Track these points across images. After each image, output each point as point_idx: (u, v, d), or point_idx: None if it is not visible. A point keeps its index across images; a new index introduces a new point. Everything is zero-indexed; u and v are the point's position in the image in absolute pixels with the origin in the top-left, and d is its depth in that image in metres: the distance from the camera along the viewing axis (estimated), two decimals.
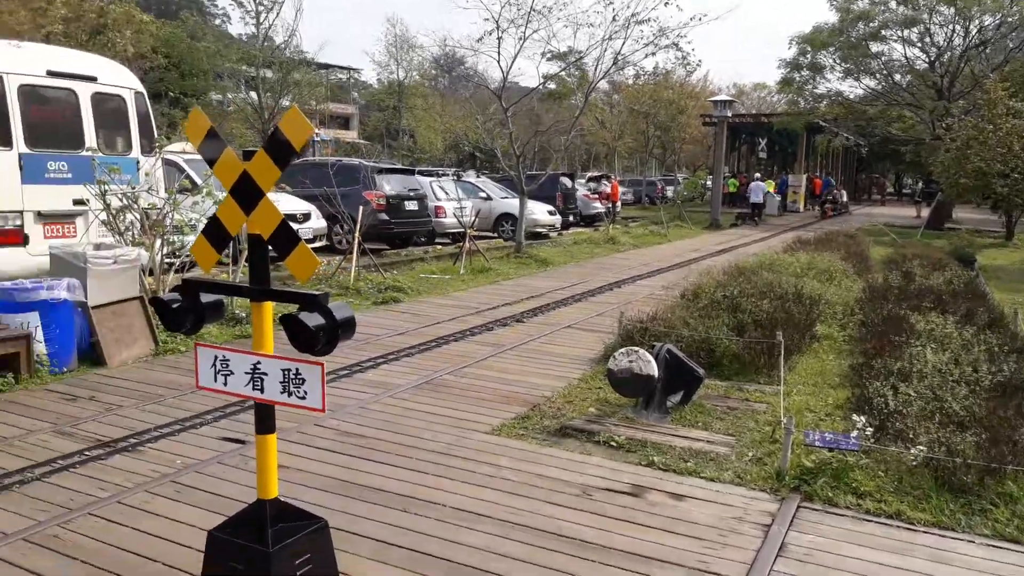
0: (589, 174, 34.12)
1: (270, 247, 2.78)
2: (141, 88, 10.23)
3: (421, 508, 4.09)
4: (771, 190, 31.74)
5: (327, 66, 44.12)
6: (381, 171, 16.48)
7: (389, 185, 16.30)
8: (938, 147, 24.64)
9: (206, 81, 39.50)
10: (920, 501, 4.34)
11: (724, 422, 5.74)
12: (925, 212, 33.26)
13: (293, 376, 2.70)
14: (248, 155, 2.74)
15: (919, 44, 29.20)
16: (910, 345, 6.63)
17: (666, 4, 15.28)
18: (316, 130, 53.55)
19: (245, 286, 2.88)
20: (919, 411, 5.17)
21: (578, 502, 4.27)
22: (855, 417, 4.87)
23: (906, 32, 28.66)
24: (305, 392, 2.69)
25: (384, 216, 15.79)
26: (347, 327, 2.64)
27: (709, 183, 34.37)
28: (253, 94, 34.59)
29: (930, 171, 28.64)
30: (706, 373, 6.21)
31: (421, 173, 25.25)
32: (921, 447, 4.55)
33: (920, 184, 47.60)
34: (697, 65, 49.06)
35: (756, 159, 46.50)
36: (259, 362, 2.76)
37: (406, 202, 16.44)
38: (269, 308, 2.84)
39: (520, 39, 15.24)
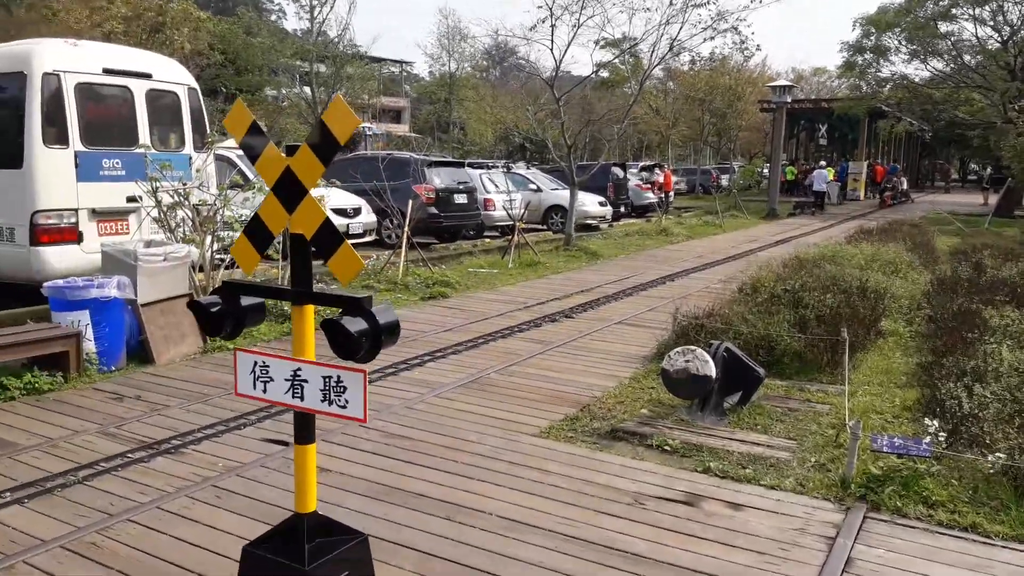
0: (641, 163, 33.56)
1: (313, 247, 2.66)
2: (194, 84, 10.31)
3: (467, 517, 3.95)
4: (831, 178, 30.79)
5: (379, 60, 44.39)
6: (431, 164, 16.41)
7: (439, 178, 16.22)
8: (1009, 131, 23.54)
9: (261, 77, 40.04)
10: (998, 512, 4.04)
11: (784, 424, 5.48)
12: (993, 199, 31.92)
13: (334, 384, 2.57)
14: (291, 150, 2.63)
15: (991, 23, 27.92)
16: (984, 342, 6.25)
17: None
18: (367, 124, 54.08)
19: (286, 288, 2.77)
20: (996, 414, 4.84)
21: (631, 512, 4.09)
22: (927, 421, 4.57)
23: (978, 10, 27.41)
24: (346, 401, 2.56)
25: (433, 210, 15.72)
26: (391, 332, 2.51)
27: (766, 171, 33.58)
28: (307, 89, 35.02)
29: (999, 156, 27.44)
30: (766, 372, 5.94)
31: (471, 165, 25.24)
32: (1000, 454, 4.24)
33: (988, 170, 45.78)
34: (756, 50, 47.98)
35: (815, 146, 45.24)
36: (299, 369, 2.65)
37: (455, 195, 16.34)
38: (310, 312, 2.72)
39: (574, 26, 14.97)
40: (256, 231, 2.73)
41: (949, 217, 24.83)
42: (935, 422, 4.50)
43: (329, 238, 2.54)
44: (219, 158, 12.97)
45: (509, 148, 53.32)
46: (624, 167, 27.62)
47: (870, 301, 7.73)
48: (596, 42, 18.42)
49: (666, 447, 4.99)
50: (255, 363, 2.73)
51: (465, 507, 4.06)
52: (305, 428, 2.70)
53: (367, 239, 14.85)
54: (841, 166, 36.60)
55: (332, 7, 33.64)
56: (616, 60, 24.41)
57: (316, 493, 2.80)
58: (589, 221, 21.68)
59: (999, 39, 28.30)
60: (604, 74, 36.23)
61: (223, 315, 2.70)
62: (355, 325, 2.40)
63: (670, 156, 42.96)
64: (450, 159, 19.27)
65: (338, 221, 14.03)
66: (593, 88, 37.03)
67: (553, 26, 14.74)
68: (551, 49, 15.13)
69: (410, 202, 11.82)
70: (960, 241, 15.65)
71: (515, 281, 11.94)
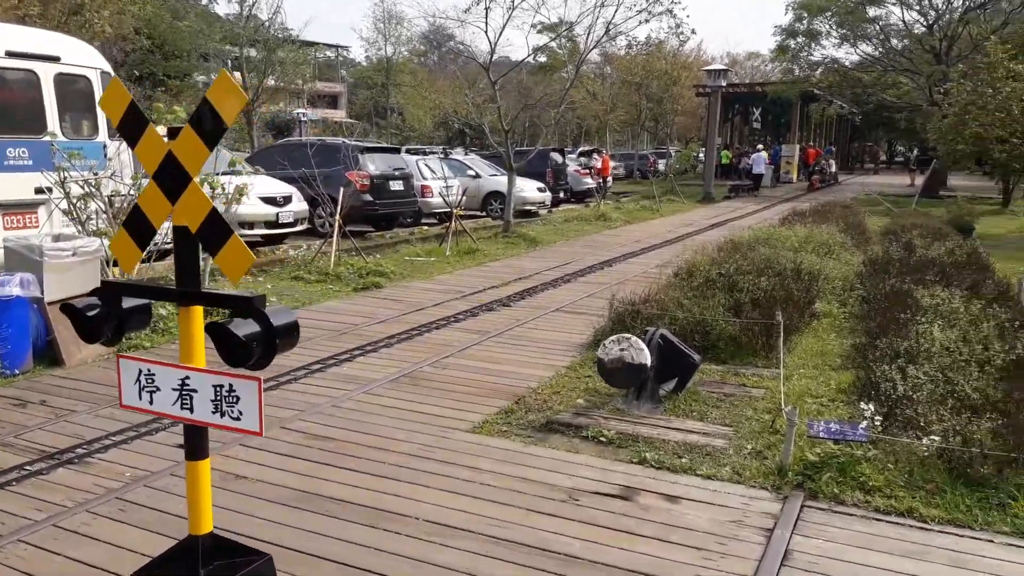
0: (580, 149, 33.55)
1: (200, 242, 2.39)
2: (108, 68, 9.76)
3: (391, 522, 3.74)
4: (725, 161, 31.32)
5: (313, 44, 43.29)
6: (365, 150, 15.97)
7: (373, 165, 15.81)
8: (934, 113, 24.22)
9: (190, 62, 38.65)
10: (933, 496, 4.00)
11: (720, 410, 5.40)
12: (919, 180, 32.89)
13: (226, 393, 2.33)
14: (173, 133, 2.35)
15: (917, 7, 28.62)
16: (916, 322, 6.27)
17: None
18: (302, 110, 52.80)
19: (171, 288, 2.49)
20: (930, 396, 4.82)
21: (565, 509, 3.93)
22: (863, 405, 4.53)
23: None
24: (240, 412, 2.32)
25: (368, 197, 15.32)
26: (287, 335, 2.26)
27: (702, 155, 33.91)
28: (237, 74, 33.92)
29: (925, 138, 28.24)
30: (701, 358, 5.86)
31: (409, 152, 24.78)
32: (934, 436, 4.21)
33: (915, 152, 47.17)
34: (691, 34, 48.40)
35: (750, 129, 45.92)
36: (188, 377, 2.39)
37: (391, 182, 15.96)
38: (199, 313, 2.45)
39: (509, 8, 14.71)
40: (136, 224, 2.45)
41: (879, 198, 25.42)
42: (870, 406, 4.45)
43: (216, 230, 2.28)
44: None
45: (449, 134, 52.80)
46: (563, 153, 27.54)
47: (804, 283, 7.73)
48: (533, 26, 18.23)
49: (602, 438, 4.85)
50: (140, 371, 2.46)
51: (389, 512, 3.84)
52: (196, 442, 2.44)
53: (299, 228, 14.43)
54: (774, 149, 37.22)
55: None
56: (553, 44, 24.26)
57: (212, 512, 2.54)
58: (528, 207, 21.53)
59: (924, 23, 29.04)
60: (542, 59, 36.08)
61: (101, 319, 2.41)
62: (244, 328, 2.15)
63: (608, 141, 43.00)
64: (385, 145, 18.85)
65: (266, 210, 13.63)
66: (531, 73, 36.85)
67: (488, 8, 14.47)
68: (486, 32, 14.85)
69: (342, 189, 11.45)
70: (890, 221, 15.95)
71: (453, 269, 11.70)
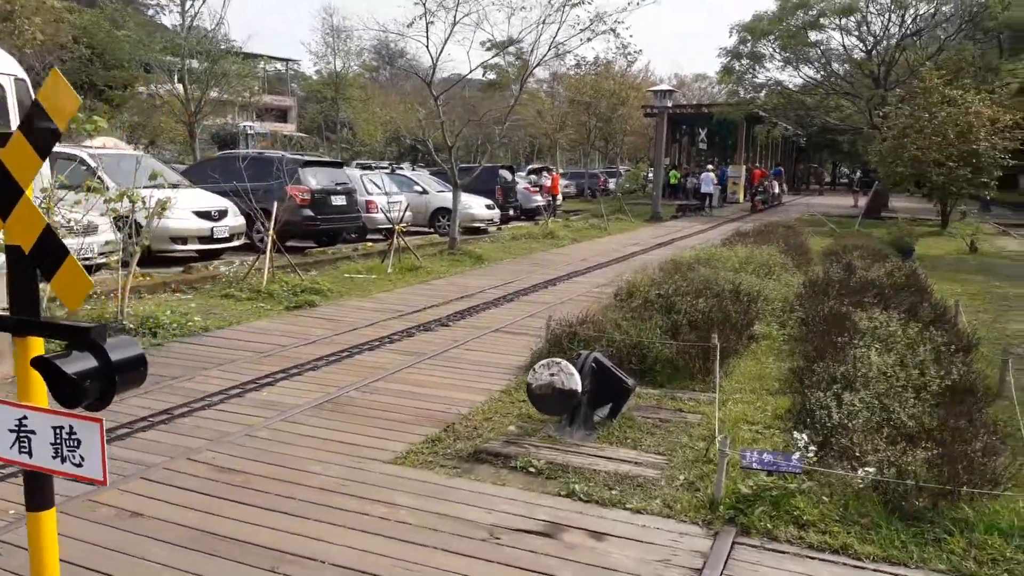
0: (529, 167, 33.55)
1: (34, 264, 2.08)
2: (23, 75, 9.25)
3: (294, 566, 3.44)
4: (674, 181, 31.69)
5: (258, 56, 42.58)
6: (305, 164, 15.57)
7: (315, 179, 15.43)
8: (875, 136, 24.73)
9: (131, 72, 37.62)
10: (868, 531, 3.85)
11: (655, 437, 5.21)
12: (863, 201, 33.57)
13: (67, 436, 2.02)
14: (2, 140, 2.05)
15: (856, 32, 29.33)
16: (853, 346, 6.19)
17: None
18: (248, 123, 51.90)
19: (4, 316, 2.16)
20: (865, 424, 4.70)
21: (484, 549, 3.67)
22: (796, 435, 4.37)
23: (844, 20, 28.74)
24: (82, 457, 2.02)
25: (308, 212, 14.94)
26: (130, 371, 1.96)
27: (651, 175, 34.15)
28: (179, 86, 33.13)
29: (867, 160, 28.85)
30: (636, 383, 5.68)
31: (360, 167, 24.45)
32: (868, 469, 4.07)
33: (858, 173, 48.35)
34: (638, 54, 48.93)
35: (696, 150, 46.53)
36: (25, 417, 2.08)
37: (333, 197, 15.59)
38: (37, 345, 2.14)
39: (451, 23, 14.53)
40: None
41: (823, 219, 25.83)
42: (804, 436, 4.30)
43: (51, 251, 1.98)
44: (66, 157, 11.87)
45: (401, 150, 52.42)
46: (512, 170, 27.45)
47: (743, 305, 7.64)
48: (482, 44, 18.08)
49: (531, 468, 4.61)
50: None
51: (293, 554, 3.53)
52: (38, 490, 2.13)
53: (235, 243, 13.97)
54: (721, 170, 37.66)
55: (204, 0, 31.95)
56: (499, 61, 24.16)
57: (58, 571, 2.22)
58: (477, 224, 21.35)
59: (863, 49, 29.77)
60: (491, 76, 36.08)
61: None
62: (76, 364, 1.86)
63: (559, 160, 43.17)
64: (327, 159, 18.46)
65: (200, 225, 13.16)
66: (480, 90, 36.79)
67: (429, 23, 14.27)
68: (427, 47, 14.66)
69: (275, 204, 11.06)
70: (832, 242, 16.14)
71: (393, 287, 11.39)
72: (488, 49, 19.17)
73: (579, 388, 4.92)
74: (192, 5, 31.35)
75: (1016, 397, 5.74)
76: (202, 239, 13.31)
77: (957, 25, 29.27)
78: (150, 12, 40.33)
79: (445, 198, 20.39)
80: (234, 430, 5.19)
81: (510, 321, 9.03)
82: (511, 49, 20.20)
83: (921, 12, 28.30)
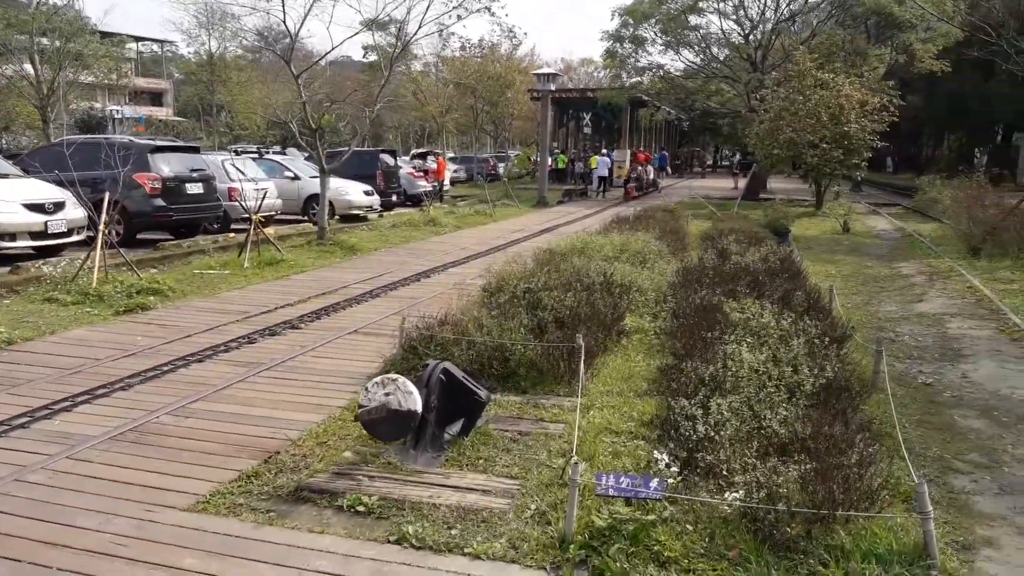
0: (414, 151, 32.59)
1: None
2: None
3: None
4: (594, 165, 31.56)
5: (117, 35, 39.63)
6: (156, 149, 14.21)
7: (167, 166, 14.10)
8: (753, 119, 25.15)
9: None
10: (737, 567, 3.37)
11: (511, 455, 4.62)
12: (742, 183, 34.35)
13: None
14: None
15: (734, 17, 29.80)
16: (724, 342, 5.79)
17: None
18: (116, 106, 48.58)
19: None
20: (735, 434, 4.25)
21: None
22: (656, 454, 3.86)
23: (722, 5, 29.15)
24: None
25: (160, 201, 13.63)
26: None
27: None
28: (28, 66, 30.33)
29: (746, 143, 29.42)
30: (490, 393, 5.06)
31: (240, 152, 22.97)
32: (736, 493, 3.59)
33: (737, 156, 49.68)
34: (524, 36, 48.54)
35: (582, 135, 46.63)
36: None
37: (188, 185, 14.30)
38: None
39: None
40: None
41: (703, 202, 26.12)
42: (664, 456, 3.79)
43: None
44: None
45: (284, 134, 50.27)
46: (394, 154, 26.48)
47: (614, 297, 7.16)
48: (362, 23, 17.02)
49: (360, 507, 3.93)
50: None
51: None
52: None
53: (75, 238, 12.52)
54: (607, 155, 37.74)
55: None
56: (380, 41, 23.13)
57: None
58: (355, 211, 20.37)
59: (741, 33, 30.29)
60: (373, 57, 34.77)
61: None
62: None
63: (447, 143, 42.34)
64: (180, 143, 17.02)
65: (31, 219, 11.76)
66: (362, 71, 35.53)
67: None
68: (283, 21, 13.59)
69: (106, 194, 9.86)
70: (711, 225, 16.09)
71: (247, 284, 10.41)
72: (368, 30, 18.12)
73: (418, 408, 4.26)
74: None
75: (889, 389, 5.49)
76: (34, 235, 11.89)
77: (827, 11, 30.19)
78: None
79: (319, 184, 19.30)
80: (2, 473, 4.26)
81: (372, 321, 8.27)
82: (391, 30, 19.26)
83: None
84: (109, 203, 9.79)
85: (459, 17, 14.93)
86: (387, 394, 4.24)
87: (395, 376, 4.32)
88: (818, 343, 5.92)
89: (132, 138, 15.70)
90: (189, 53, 73.90)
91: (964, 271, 11.91)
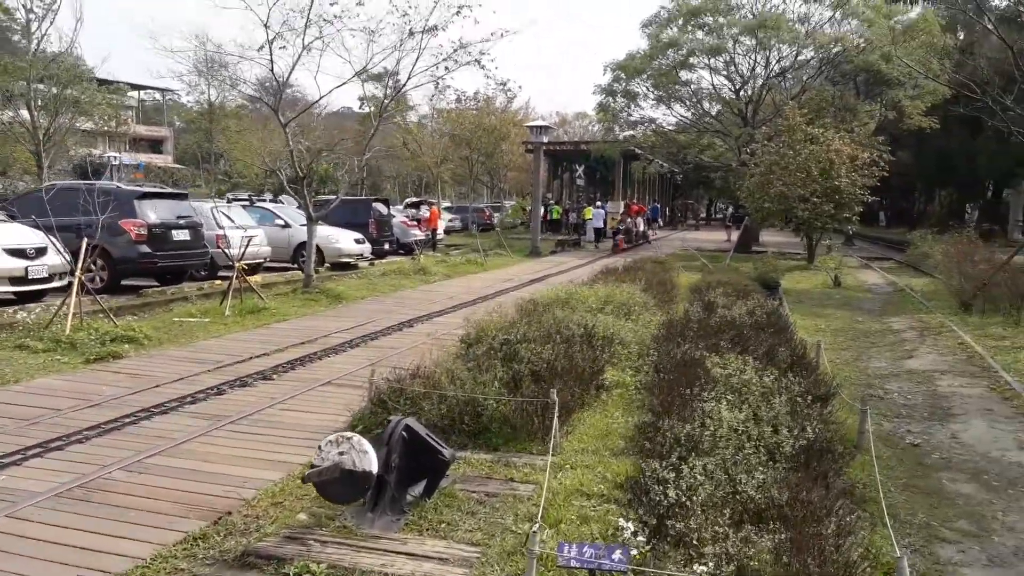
0: (407, 200, 32.69)
1: None
2: None
3: None
4: (588, 217, 31.65)
5: (114, 83, 39.95)
6: (143, 196, 14.13)
7: (153, 212, 14.01)
8: (744, 172, 25.27)
9: None
10: None
11: (476, 519, 4.39)
12: (735, 235, 34.42)
13: None
14: None
15: (725, 72, 30.18)
16: (703, 399, 5.59)
17: (458, 12, 14.10)
18: (113, 153, 48.89)
19: None
20: (708, 499, 4.04)
21: None
22: (621, 522, 3.65)
23: (712, 61, 29.52)
24: None
25: (145, 248, 13.50)
26: None
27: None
28: (24, 112, 30.50)
29: (738, 196, 29.55)
30: (454, 453, 4.84)
31: (236, 199, 23.05)
32: (704, 567, 3.37)
33: (730, 209, 49.95)
34: (519, 89, 49.21)
35: (575, 187, 46.94)
36: None
37: (174, 231, 14.19)
38: None
39: (302, 47, 13.56)
40: None
41: (695, 254, 26.10)
42: (629, 524, 3.57)
43: None
44: None
45: (282, 182, 50.48)
46: (387, 203, 26.51)
47: (594, 351, 6.98)
48: (358, 75, 17.12)
49: None
50: None
51: None
52: None
53: (57, 284, 12.33)
54: (600, 207, 37.93)
55: (52, 22, 29.54)
56: (375, 92, 23.28)
57: None
58: (345, 259, 20.27)
59: (732, 88, 30.66)
60: (370, 108, 35.06)
61: None
62: None
63: (443, 193, 42.52)
64: (168, 190, 16.97)
65: (12, 264, 11.58)
66: (359, 122, 35.82)
67: (270, 43, 13.24)
68: (271, 69, 13.62)
69: (84, 240, 9.72)
70: (701, 278, 15.98)
71: (226, 332, 10.21)
72: (365, 81, 18.22)
73: (374, 469, 4.04)
74: (39, 26, 29.10)
75: (874, 451, 5.29)
76: (14, 280, 11.71)
77: (817, 68, 30.63)
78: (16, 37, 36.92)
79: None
80: None
81: (346, 372, 8.06)
82: (388, 82, 19.36)
83: (784, 54, 29.42)
84: (87, 249, 9.64)
85: (447, 69, 14.99)
86: (341, 453, 4.03)
87: (350, 434, 4.12)
88: (801, 401, 5.74)
89: (119, 184, 15.67)
90: (190, 102, 74.86)
91: (955, 327, 11.77)
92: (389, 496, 4.38)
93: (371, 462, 4.03)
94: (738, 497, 4.08)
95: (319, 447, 4.13)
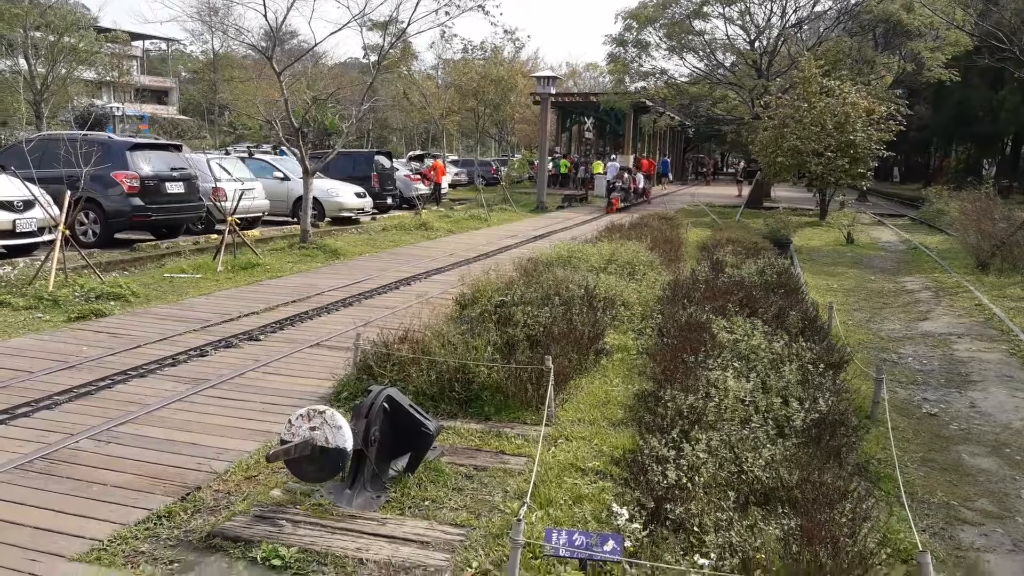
0: (410, 153, 32.11)
1: None
2: None
3: None
4: (598, 171, 31.02)
5: (107, 31, 39.21)
6: (135, 147, 13.71)
7: (147, 164, 13.61)
8: (757, 126, 24.57)
9: None
10: None
11: (462, 496, 4.11)
12: (747, 191, 33.78)
13: None
14: None
15: (740, 22, 29.23)
16: (707, 367, 5.26)
17: None
18: (115, 104, 48.22)
19: None
20: (711, 480, 3.72)
21: None
22: (615, 508, 3.34)
23: (727, 10, 28.56)
24: None
25: (137, 201, 13.14)
26: None
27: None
28: (23, 61, 29.91)
29: (750, 150, 28.85)
30: (439, 426, 4.52)
31: (236, 152, 22.63)
32: (704, 560, 3.06)
33: (741, 163, 49.09)
34: (527, 39, 48.04)
35: (584, 140, 46.10)
36: None
37: (168, 184, 13.80)
38: None
39: None
40: None
41: (705, 209, 25.57)
42: (624, 511, 3.26)
43: None
44: None
45: (304, 134, 49.78)
46: (390, 156, 25.99)
47: (594, 313, 6.63)
48: (361, 23, 16.48)
49: (275, 562, 3.41)
50: None
51: None
52: None
53: (47, 237, 12.01)
54: (609, 160, 37.23)
55: None
56: (378, 41, 22.61)
57: None
58: (346, 213, 19.87)
59: (746, 38, 29.74)
60: (373, 58, 34.25)
61: None
62: None
63: (448, 146, 41.82)
64: (161, 141, 16.52)
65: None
66: (362, 72, 35.05)
67: None
68: (264, 14, 13.10)
69: (67, 192, 9.36)
70: (711, 234, 15.54)
71: (217, 289, 9.90)
72: (369, 29, 17.56)
73: (347, 445, 3.73)
74: None
75: (890, 423, 4.96)
76: (1, 233, 11.40)
77: (835, 18, 29.63)
78: None
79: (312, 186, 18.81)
80: None
81: (338, 332, 7.74)
82: (391, 30, 18.70)
83: (802, 3, 28.44)
84: (71, 201, 9.29)
85: (447, 14, 14.37)
86: (313, 429, 3.72)
87: (323, 408, 3.79)
88: (812, 369, 5.39)
89: (111, 135, 15.24)
90: (195, 51, 73.77)
91: (972, 287, 11.35)
92: (369, 472, 4.09)
93: (345, 438, 3.72)
94: (744, 477, 3.76)
95: (289, 421, 3.82)
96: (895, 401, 6.20)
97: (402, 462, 4.33)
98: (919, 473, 4.79)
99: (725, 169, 65.93)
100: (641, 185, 29.89)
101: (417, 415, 4.29)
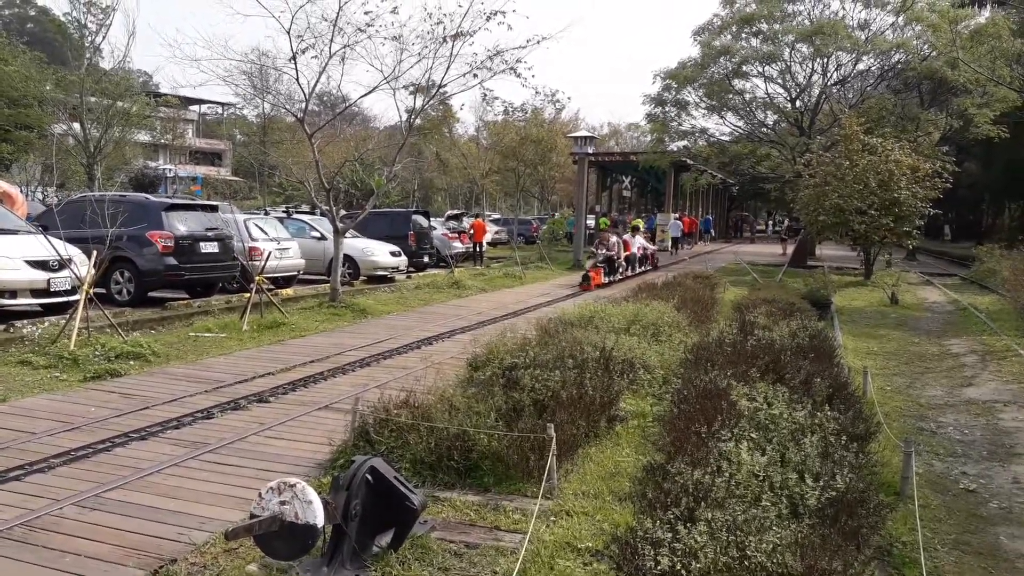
0: (448, 212, 32.40)
1: None
2: None
3: None
4: (637, 225, 30.80)
5: (160, 95, 40.68)
6: (171, 207, 14.01)
7: (182, 224, 13.87)
8: (800, 184, 24.23)
9: (42, 111, 35.22)
10: None
11: None
12: (791, 249, 33.20)
13: None
14: None
15: (780, 80, 29.11)
16: (721, 438, 4.94)
17: (489, 18, 13.60)
18: (168, 165, 49.86)
19: None
20: (710, 567, 3.41)
21: None
22: None
23: (767, 68, 28.48)
24: None
25: (171, 260, 13.34)
26: None
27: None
28: (76, 125, 31.16)
29: (793, 208, 28.43)
30: (425, 500, 4.28)
31: (294, 211, 23.23)
32: None
33: (786, 221, 48.45)
34: (567, 100, 48.63)
35: (622, 198, 46.05)
36: None
37: (202, 243, 14.02)
38: None
39: (327, 55, 13.27)
40: None
41: (747, 268, 25.11)
42: None
43: None
44: None
45: (335, 194, 50.87)
46: (427, 215, 26.22)
47: (609, 376, 6.37)
48: (405, 87, 16.77)
49: None
50: None
51: None
52: None
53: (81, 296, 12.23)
54: (649, 219, 37.07)
55: (105, 36, 30.18)
56: (415, 104, 23.01)
57: None
58: (381, 272, 19.98)
59: (787, 96, 29.56)
60: (417, 121, 34.93)
61: None
62: None
63: (488, 205, 42.15)
64: (197, 202, 16.84)
65: (33, 276, 11.45)
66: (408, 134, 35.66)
67: (294, 54, 12.98)
68: (296, 79, 13.36)
69: (93, 251, 9.49)
70: (748, 294, 15.15)
71: (238, 349, 9.87)
72: (412, 94, 17.87)
73: (319, 522, 3.51)
74: (92, 40, 29.77)
75: (917, 502, 4.57)
76: (36, 292, 11.61)
77: (877, 75, 29.35)
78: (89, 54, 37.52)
79: (347, 245, 18.98)
80: None
81: (348, 394, 7.55)
82: (431, 93, 19.02)
83: (843, 61, 28.25)
84: (97, 261, 9.41)
85: (475, 75, 14.48)
86: (283, 503, 3.52)
87: (294, 481, 3.59)
88: (834, 441, 5.04)
89: (148, 196, 15.60)
90: (250, 114, 76.31)
91: (1022, 350, 10.77)
92: (349, 548, 3.86)
93: (315, 514, 3.51)
94: (746, 564, 3.44)
95: (259, 494, 3.62)
96: (930, 475, 5.78)
97: (387, 538, 4.09)
98: (949, 558, 4.38)
99: (772, 227, 64.93)
100: (640, 253, 23.70)
101: (402, 487, 4.06)
